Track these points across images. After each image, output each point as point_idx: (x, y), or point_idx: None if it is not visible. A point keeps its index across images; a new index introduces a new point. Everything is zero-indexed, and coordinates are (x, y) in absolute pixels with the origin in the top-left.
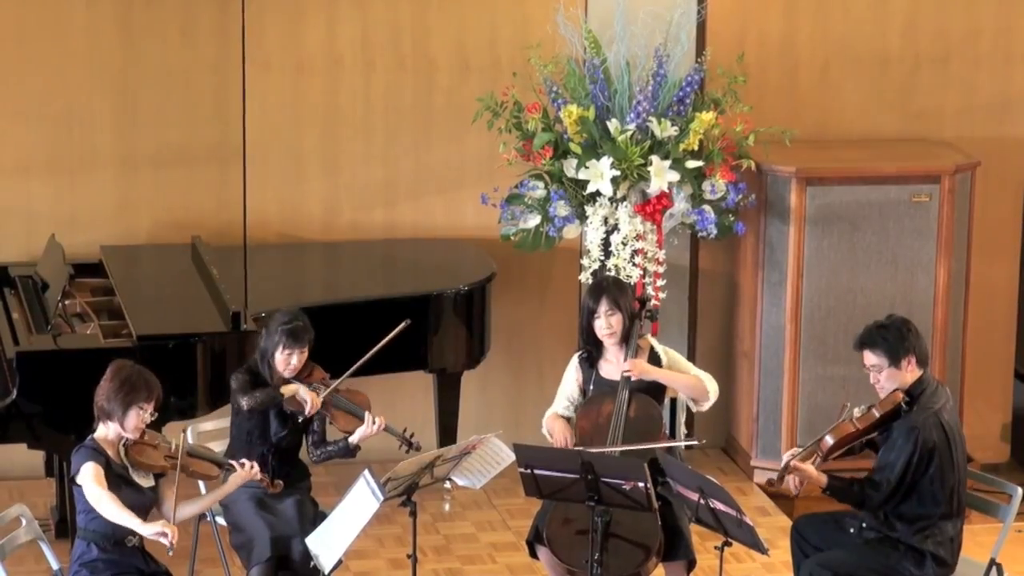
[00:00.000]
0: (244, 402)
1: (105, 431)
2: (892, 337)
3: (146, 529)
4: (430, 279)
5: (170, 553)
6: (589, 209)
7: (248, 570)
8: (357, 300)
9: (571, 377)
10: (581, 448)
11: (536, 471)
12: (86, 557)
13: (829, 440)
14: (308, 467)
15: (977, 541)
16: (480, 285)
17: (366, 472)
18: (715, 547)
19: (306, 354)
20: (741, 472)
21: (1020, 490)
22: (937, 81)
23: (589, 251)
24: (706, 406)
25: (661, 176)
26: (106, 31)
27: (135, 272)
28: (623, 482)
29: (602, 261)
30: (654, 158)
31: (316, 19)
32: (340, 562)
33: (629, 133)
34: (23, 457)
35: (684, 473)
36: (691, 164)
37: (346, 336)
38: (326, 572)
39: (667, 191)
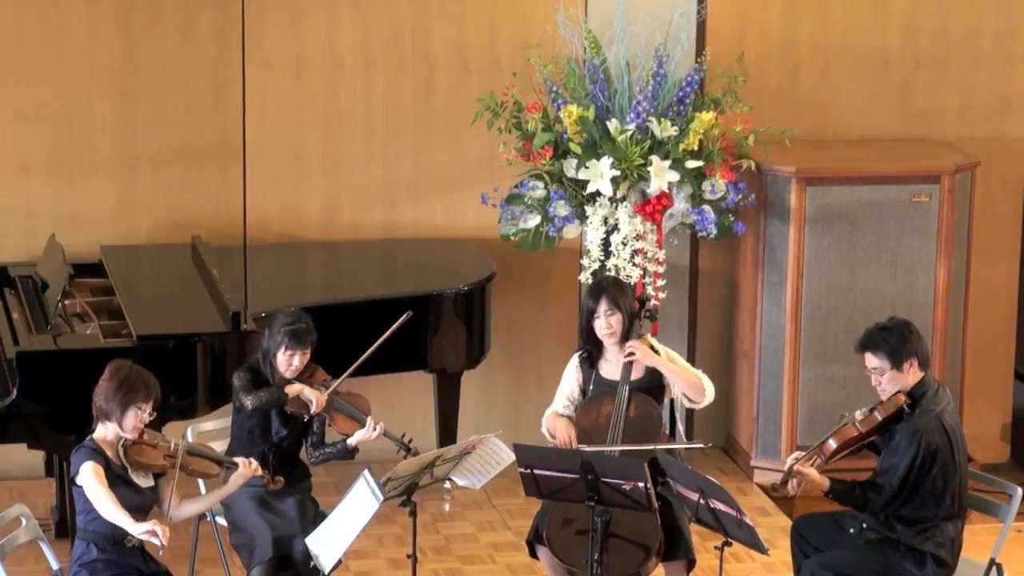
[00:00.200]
0: (248, 401)
1: (104, 431)
2: (894, 339)
3: (136, 528)
4: (430, 279)
5: (160, 552)
6: (589, 209)
7: (249, 570)
8: (357, 300)
9: (571, 377)
10: (581, 447)
11: (536, 471)
12: (86, 558)
13: (832, 444)
14: (308, 467)
15: (977, 541)
16: (480, 285)
17: (366, 472)
18: (715, 547)
19: (308, 355)
20: (741, 472)
21: (1020, 490)
22: (937, 81)
23: (589, 251)
24: (701, 404)
25: (661, 176)
26: (106, 31)
27: (135, 272)
28: (623, 482)
29: (602, 261)
30: (654, 158)
31: (316, 19)
32: (340, 562)
33: (629, 133)
34: (23, 457)
35: (684, 473)
36: (691, 164)
37: (346, 336)
38: (326, 572)
39: (667, 191)
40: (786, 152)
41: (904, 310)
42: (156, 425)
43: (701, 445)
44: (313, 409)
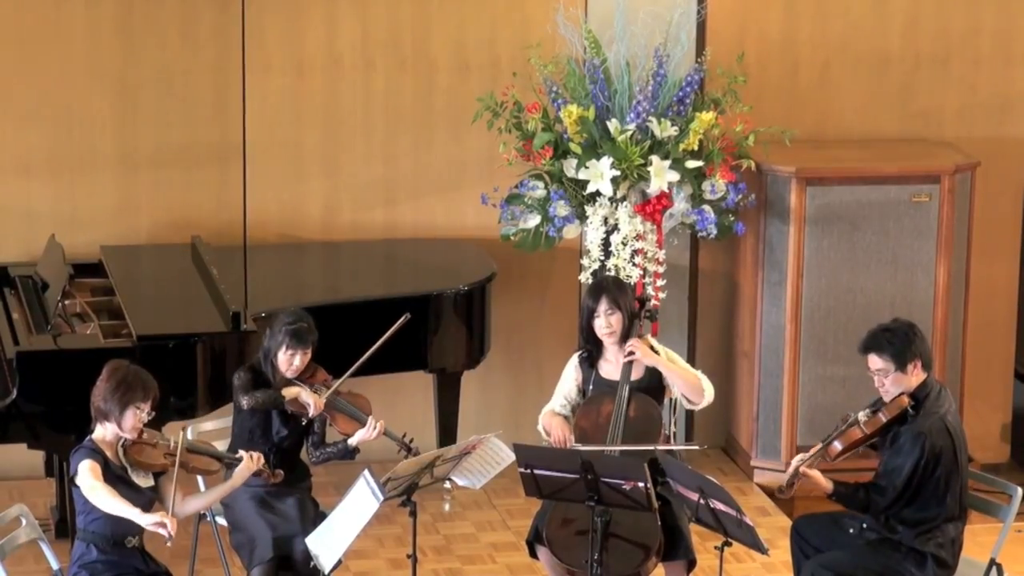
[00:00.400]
0: (244, 401)
1: (103, 432)
2: (899, 341)
3: (144, 519)
4: (430, 279)
5: (168, 544)
6: (589, 209)
7: (249, 570)
8: (357, 300)
9: (570, 376)
10: (580, 447)
11: (536, 471)
12: (86, 558)
13: (838, 446)
14: (309, 467)
15: (977, 541)
16: (480, 285)
17: (366, 472)
18: (715, 547)
19: (309, 355)
20: (741, 472)
21: (1020, 490)
22: (937, 81)
23: (589, 251)
24: (700, 405)
25: (661, 176)
26: (106, 32)
27: (135, 272)
28: (623, 482)
29: (602, 261)
30: (654, 158)
31: (316, 19)
32: (340, 562)
33: (629, 133)
34: (23, 457)
35: (684, 473)
36: (691, 164)
37: (346, 336)
38: (326, 572)
39: (667, 191)
40: (786, 152)
41: (904, 310)
42: (156, 425)
43: (697, 447)
44: (311, 412)
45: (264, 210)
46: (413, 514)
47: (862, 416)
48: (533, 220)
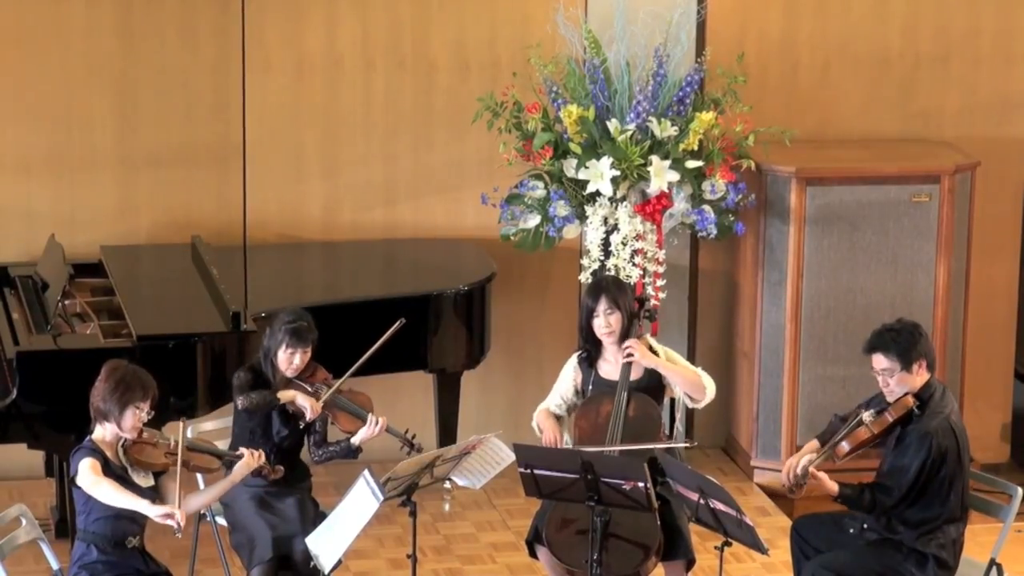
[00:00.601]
0: (239, 402)
1: (102, 432)
2: (904, 340)
3: (153, 510)
4: (430, 279)
5: (178, 535)
6: (589, 209)
7: (249, 570)
8: (357, 300)
9: (568, 376)
10: (580, 448)
11: (536, 471)
12: (86, 559)
13: (845, 446)
14: (309, 467)
15: (977, 541)
16: (480, 285)
17: (366, 472)
18: (715, 547)
19: (309, 354)
20: (741, 472)
21: (1020, 490)
22: (937, 81)
23: (589, 251)
24: (702, 403)
25: (661, 176)
26: (106, 31)
27: (135, 272)
28: (623, 482)
29: (602, 261)
30: (654, 158)
31: (316, 19)
32: (340, 562)
33: (629, 133)
34: (23, 457)
35: (684, 473)
36: (691, 164)
37: (346, 336)
38: (326, 572)
39: (667, 191)
40: (786, 152)
41: (904, 310)
42: (156, 425)
43: (686, 444)
44: (308, 416)
45: (264, 210)
46: (413, 514)
47: (867, 416)
48: (533, 220)
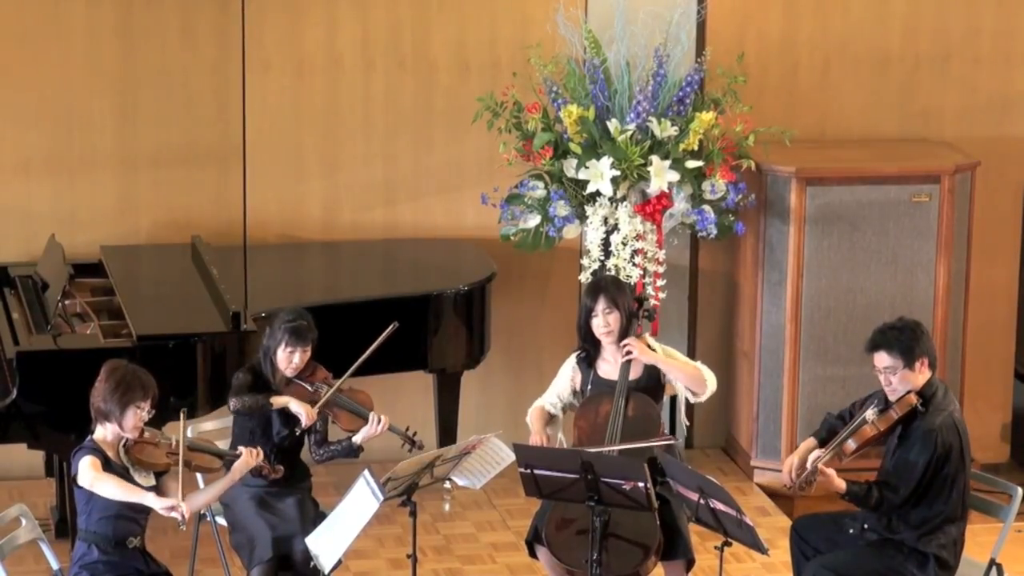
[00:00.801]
0: (231, 403)
1: (103, 432)
2: (907, 338)
3: (158, 502)
4: (430, 279)
5: (182, 527)
6: (589, 209)
7: (249, 570)
8: (357, 300)
9: (566, 375)
10: (580, 448)
11: (536, 471)
12: (87, 559)
13: (852, 444)
14: (309, 467)
15: (977, 541)
16: (480, 285)
17: (366, 472)
18: (715, 547)
19: (308, 353)
20: (741, 472)
21: (1020, 490)
22: (937, 81)
23: (589, 251)
24: (704, 396)
25: (661, 176)
26: (106, 32)
27: (135, 272)
28: (623, 482)
29: (602, 261)
30: (654, 158)
31: (316, 19)
32: (340, 562)
33: (629, 133)
34: (23, 457)
35: (684, 473)
36: (691, 164)
37: (346, 336)
38: (326, 572)
39: (667, 191)
40: (786, 152)
41: (904, 310)
42: (156, 425)
43: (671, 441)
44: (304, 423)
45: (264, 210)
46: (413, 514)
47: (870, 414)
48: (533, 220)
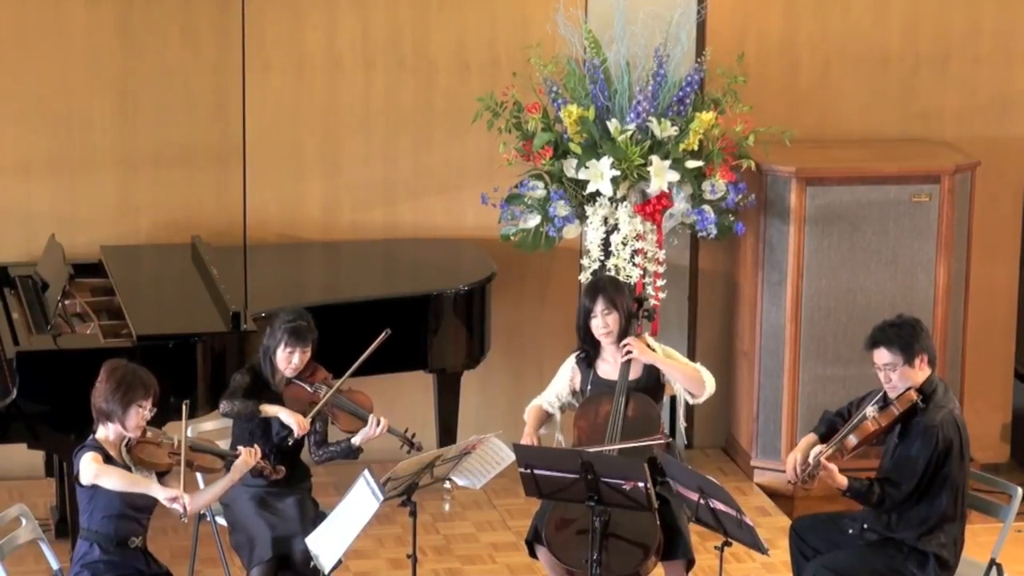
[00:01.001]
0: (222, 406)
1: (105, 432)
2: (906, 335)
3: (161, 493)
4: (430, 279)
5: (184, 520)
6: (589, 209)
7: (248, 570)
8: (357, 300)
9: (565, 375)
10: (580, 448)
11: (536, 471)
12: (88, 558)
13: (853, 440)
14: (309, 467)
15: (977, 541)
16: (480, 285)
17: (366, 472)
18: (715, 547)
19: (308, 354)
20: (741, 472)
21: (1020, 490)
22: (937, 81)
23: (589, 251)
24: (702, 398)
25: (661, 176)
26: (106, 31)
27: (135, 272)
28: (623, 482)
29: (602, 261)
30: (654, 158)
31: (316, 19)
32: (340, 562)
33: (629, 133)
34: (23, 457)
35: (684, 473)
36: (691, 164)
37: (346, 336)
38: (326, 572)
39: (667, 191)
40: (786, 152)
41: (904, 310)
42: (156, 424)
43: (662, 440)
44: (296, 433)
45: (264, 210)
46: (413, 514)
47: (871, 411)
48: (533, 220)
